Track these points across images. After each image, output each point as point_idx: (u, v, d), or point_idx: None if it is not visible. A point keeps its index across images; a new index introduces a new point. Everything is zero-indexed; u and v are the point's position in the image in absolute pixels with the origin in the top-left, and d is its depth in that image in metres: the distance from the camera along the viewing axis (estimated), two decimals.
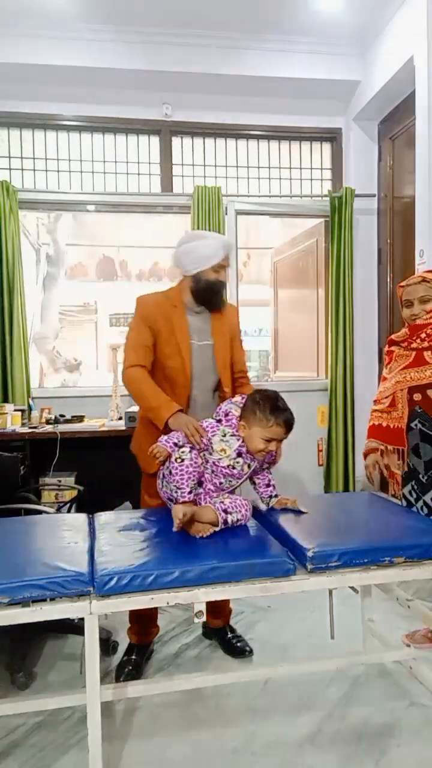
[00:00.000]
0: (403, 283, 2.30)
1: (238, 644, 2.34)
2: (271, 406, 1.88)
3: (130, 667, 2.19)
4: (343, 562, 1.66)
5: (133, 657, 2.24)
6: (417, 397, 2.22)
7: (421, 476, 2.25)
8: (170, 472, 1.87)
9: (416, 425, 2.24)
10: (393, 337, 2.38)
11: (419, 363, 2.20)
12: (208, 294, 2.19)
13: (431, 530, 1.82)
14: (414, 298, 2.23)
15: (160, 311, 2.19)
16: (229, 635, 2.37)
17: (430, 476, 2.23)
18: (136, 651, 2.26)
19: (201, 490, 1.93)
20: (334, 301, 4.23)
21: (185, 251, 2.18)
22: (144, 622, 2.26)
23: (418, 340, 2.21)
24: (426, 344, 2.19)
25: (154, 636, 2.35)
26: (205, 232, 2.20)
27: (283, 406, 1.90)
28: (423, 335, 2.20)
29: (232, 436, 1.91)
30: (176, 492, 1.85)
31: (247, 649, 2.32)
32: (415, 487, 2.28)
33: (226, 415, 1.94)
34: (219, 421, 1.94)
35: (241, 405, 1.95)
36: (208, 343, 2.22)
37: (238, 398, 2.00)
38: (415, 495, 2.29)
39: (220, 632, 2.39)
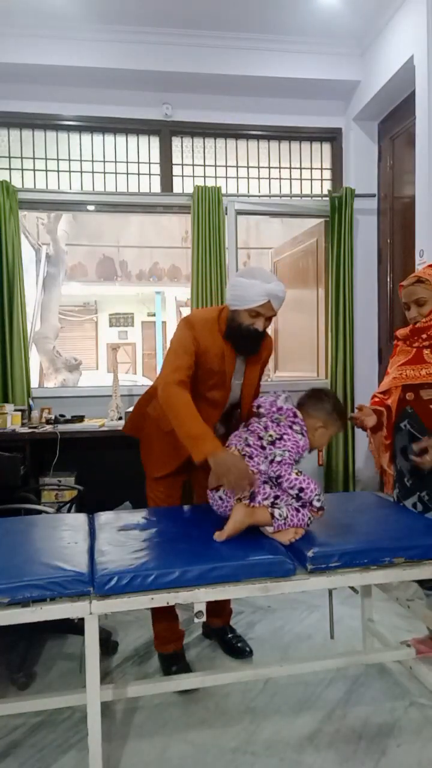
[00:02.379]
0: (403, 283, 2.22)
1: (238, 644, 2.34)
2: (340, 408, 1.99)
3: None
4: (343, 563, 1.66)
5: (175, 668, 2.16)
6: (409, 396, 2.16)
7: (405, 480, 2.22)
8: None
9: (405, 426, 2.18)
10: (398, 332, 2.32)
11: (417, 361, 2.15)
12: (237, 337, 2.06)
13: (431, 530, 1.83)
14: (410, 300, 2.16)
15: (213, 345, 2.08)
16: (229, 635, 2.37)
17: (414, 481, 2.18)
18: (175, 659, 2.20)
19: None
20: (334, 301, 4.23)
21: (232, 283, 2.08)
22: (169, 625, 2.21)
23: (419, 340, 2.17)
24: (426, 343, 2.14)
25: (182, 639, 2.28)
26: (257, 272, 2.04)
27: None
28: (424, 336, 2.15)
29: (300, 432, 1.89)
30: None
31: (247, 649, 2.32)
32: (400, 490, 2.25)
33: (279, 409, 1.93)
34: (277, 420, 1.91)
35: (287, 397, 1.98)
36: (239, 383, 2.19)
37: (281, 394, 2.00)
38: (394, 498, 2.29)
39: (220, 632, 2.39)
